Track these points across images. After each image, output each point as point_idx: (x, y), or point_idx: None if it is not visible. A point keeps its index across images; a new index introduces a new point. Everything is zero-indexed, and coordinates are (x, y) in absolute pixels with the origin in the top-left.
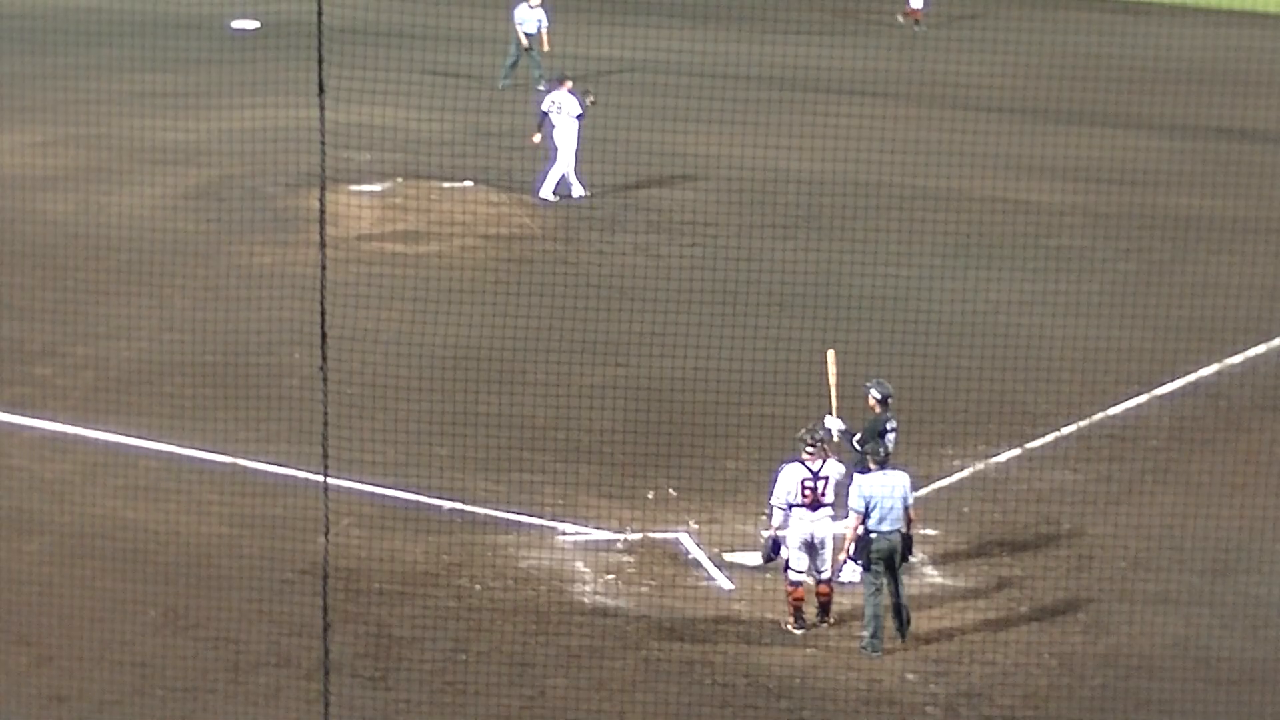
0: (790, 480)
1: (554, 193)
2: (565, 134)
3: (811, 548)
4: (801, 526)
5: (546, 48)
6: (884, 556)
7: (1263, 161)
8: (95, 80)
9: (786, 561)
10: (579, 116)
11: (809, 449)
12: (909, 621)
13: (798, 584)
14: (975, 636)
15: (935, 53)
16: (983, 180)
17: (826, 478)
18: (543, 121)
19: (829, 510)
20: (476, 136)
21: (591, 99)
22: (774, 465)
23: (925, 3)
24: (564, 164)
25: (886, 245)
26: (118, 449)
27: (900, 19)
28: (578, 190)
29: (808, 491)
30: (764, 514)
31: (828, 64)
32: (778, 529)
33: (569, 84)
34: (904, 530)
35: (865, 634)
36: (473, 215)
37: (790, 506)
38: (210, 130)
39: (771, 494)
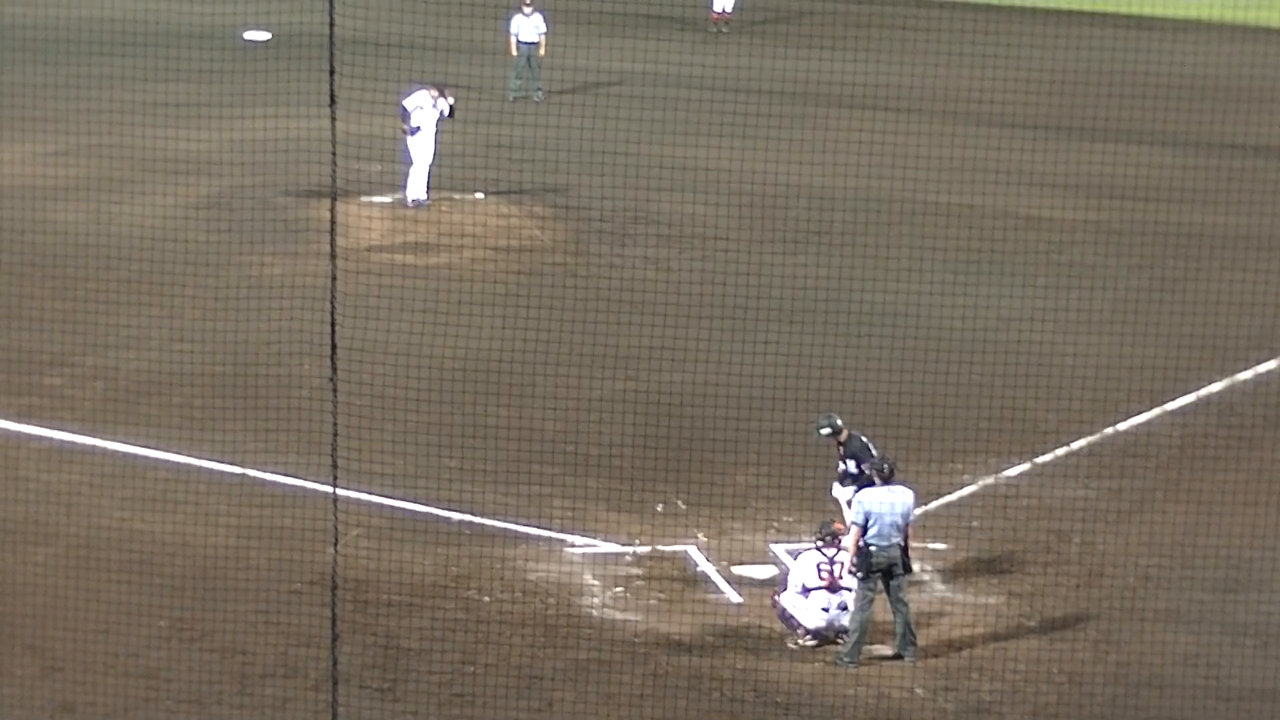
0: (806, 565)
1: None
2: (428, 136)
3: (832, 628)
4: (823, 616)
5: (543, 52)
6: (882, 568)
7: (1274, 177)
8: (107, 90)
9: (776, 594)
10: (440, 119)
11: (820, 541)
12: (914, 641)
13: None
14: (984, 651)
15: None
16: (993, 195)
17: (842, 563)
18: (406, 119)
19: (847, 597)
20: (487, 148)
21: (452, 100)
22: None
23: (733, 6)
24: (425, 164)
25: (896, 259)
26: (127, 459)
27: (713, 27)
28: (421, 195)
29: (825, 574)
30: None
31: (839, 78)
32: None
33: (434, 88)
34: (902, 544)
35: (846, 644)
36: (483, 227)
37: (808, 591)
38: (221, 141)
39: (784, 586)
